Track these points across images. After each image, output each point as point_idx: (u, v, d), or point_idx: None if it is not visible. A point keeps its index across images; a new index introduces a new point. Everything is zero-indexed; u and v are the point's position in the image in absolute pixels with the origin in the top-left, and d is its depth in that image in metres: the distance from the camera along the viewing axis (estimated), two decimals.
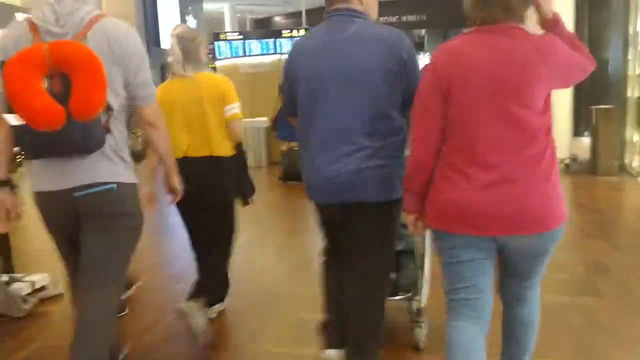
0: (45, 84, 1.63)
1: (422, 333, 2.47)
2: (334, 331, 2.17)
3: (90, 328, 1.80)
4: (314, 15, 18.22)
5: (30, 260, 4.08)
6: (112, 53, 1.72)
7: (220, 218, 2.73)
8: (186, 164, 2.39)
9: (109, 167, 1.78)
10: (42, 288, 3.36)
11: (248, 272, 3.76)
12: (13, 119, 1.64)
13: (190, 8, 19.36)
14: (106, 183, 1.77)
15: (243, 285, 3.39)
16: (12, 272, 3.48)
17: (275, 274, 3.89)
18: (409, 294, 2.53)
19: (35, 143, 1.69)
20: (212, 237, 2.74)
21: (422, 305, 2.49)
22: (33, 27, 1.70)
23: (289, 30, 16.01)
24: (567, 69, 1.67)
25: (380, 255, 2.08)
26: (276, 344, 2.71)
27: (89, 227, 1.81)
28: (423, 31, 24.96)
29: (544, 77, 1.59)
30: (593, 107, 7.06)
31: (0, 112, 1.72)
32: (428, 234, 2.38)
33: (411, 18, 23.40)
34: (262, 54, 11.46)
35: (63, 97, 1.62)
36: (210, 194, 2.59)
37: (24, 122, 1.63)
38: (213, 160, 2.58)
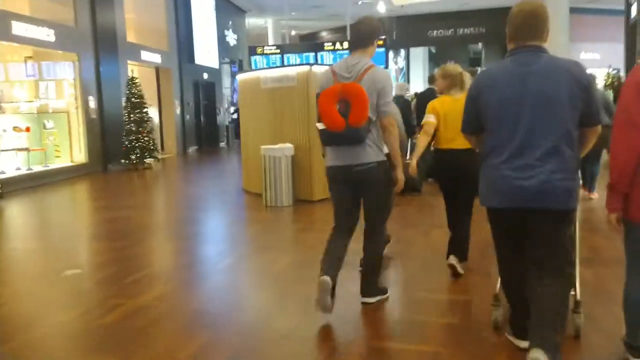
0: (337, 107, 2.98)
1: (581, 321, 2.75)
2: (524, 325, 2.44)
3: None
4: None
5: None
6: (373, 88, 3.00)
7: (469, 192, 3.75)
8: (451, 153, 3.72)
9: (371, 152, 3.05)
10: None
11: None
12: (320, 125, 3.05)
13: (230, 22, 18.47)
14: (370, 162, 3.06)
15: None
16: None
17: None
18: None
19: (330, 137, 3.07)
20: (462, 206, 3.83)
21: (579, 297, 2.79)
22: (334, 73, 3.10)
23: (331, 43, 14.79)
24: None
25: (564, 253, 2.42)
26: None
27: (361, 189, 3.13)
28: (480, 45, 23.20)
29: None
30: None
31: (316, 122, 3.11)
32: (578, 237, 2.82)
33: (468, 31, 21.54)
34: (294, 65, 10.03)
35: (345, 114, 2.97)
36: (464, 173, 3.65)
37: (325, 127, 3.03)
38: (467, 152, 3.53)
